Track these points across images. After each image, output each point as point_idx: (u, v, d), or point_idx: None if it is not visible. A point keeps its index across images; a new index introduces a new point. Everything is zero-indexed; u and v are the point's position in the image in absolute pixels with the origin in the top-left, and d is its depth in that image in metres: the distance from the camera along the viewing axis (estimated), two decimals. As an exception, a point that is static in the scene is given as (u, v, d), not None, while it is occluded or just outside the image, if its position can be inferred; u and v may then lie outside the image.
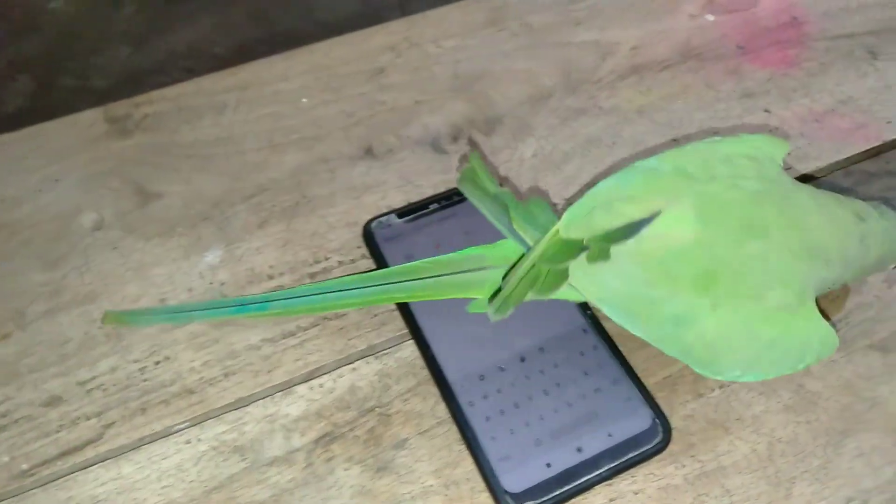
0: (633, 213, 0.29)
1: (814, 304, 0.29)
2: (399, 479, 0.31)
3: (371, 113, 0.45)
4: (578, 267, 0.30)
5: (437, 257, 0.33)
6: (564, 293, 0.31)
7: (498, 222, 0.33)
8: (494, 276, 0.32)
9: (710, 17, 0.50)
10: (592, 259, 0.29)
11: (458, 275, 0.32)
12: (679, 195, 0.30)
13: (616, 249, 0.29)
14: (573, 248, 0.29)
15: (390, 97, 0.46)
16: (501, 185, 0.34)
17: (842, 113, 0.44)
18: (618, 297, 0.30)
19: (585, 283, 0.30)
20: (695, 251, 0.29)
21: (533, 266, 0.30)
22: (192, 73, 0.49)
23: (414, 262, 0.33)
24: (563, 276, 0.30)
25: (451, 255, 0.33)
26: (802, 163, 0.41)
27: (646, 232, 0.29)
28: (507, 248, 0.33)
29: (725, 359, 0.29)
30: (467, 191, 0.35)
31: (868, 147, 0.42)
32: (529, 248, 0.31)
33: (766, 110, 0.44)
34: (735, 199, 0.30)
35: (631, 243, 0.29)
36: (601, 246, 0.29)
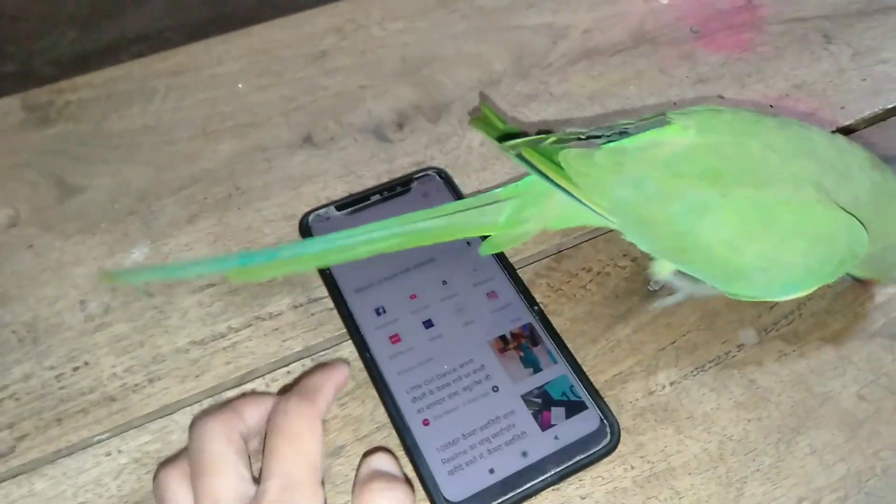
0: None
1: (831, 201, 0.28)
2: (335, 489, 0.29)
3: (312, 98, 0.43)
4: (588, 182, 0.30)
5: (450, 203, 0.33)
6: (576, 216, 0.31)
7: (509, 153, 0.34)
8: (508, 209, 0.32)
9: (664, 0, 0.49)
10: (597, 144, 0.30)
11: (472, 211, 0.32)
12: (683, 117, 0.30)
13: (622, 159, 0.30)
14: (575, 136, 0.31)
15: (333, 82, 0.44)
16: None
17: (796, 98, 0.43)
18: (629, 205, 0.30)
19: (596, 196, 0.30)
20: (698, 151, 0.29)
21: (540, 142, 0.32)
22: (142, 57, 0.46)
23: (431, 208, 0.32)
24: (562, 145, 0.31)
25: (465, 199, 0.33)
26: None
27: (650, 138, 0.30)
28: (520, 185, 0.33)
29: (748, 254, 0.28)
30: (480, 130, 0.36)
31: (822, 133, 0.41)
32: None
33: (721, 96, 0.43)
34: (739, 118, 0.30)
35: (636, 150, 0.30)
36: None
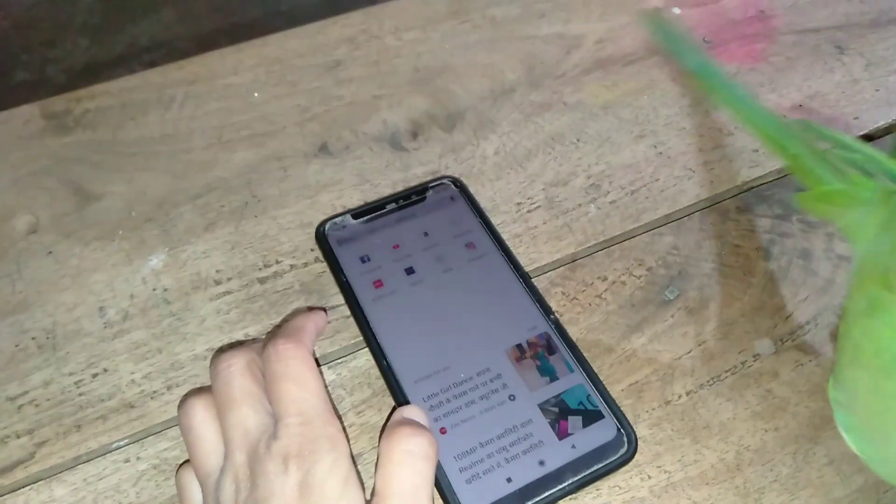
0: None
1: None
2: (353, 497, 0.29)
3: (327, 108, 0.43)
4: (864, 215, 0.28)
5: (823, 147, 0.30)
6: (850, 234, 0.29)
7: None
8: (838, 185, 0.29)
9: (677, 10, 0.49)
10: None
11: (829, 165, 0.29)
12: None
13: None
14: None
15: (347, 91, 0.44)
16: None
17: (809, 108, 0.43)
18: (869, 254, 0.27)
19: (860, 229, 0.28)
20: None
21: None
22: (153, 66, 0.46)
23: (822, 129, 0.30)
24: None
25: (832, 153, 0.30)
26: (771, 160, 0.40)
27: None
28: (869, 184, 0.29)
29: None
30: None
31: (835, 143, 0.41)
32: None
33: (733, 106, 0.43)
34: None
35: None
36: None
